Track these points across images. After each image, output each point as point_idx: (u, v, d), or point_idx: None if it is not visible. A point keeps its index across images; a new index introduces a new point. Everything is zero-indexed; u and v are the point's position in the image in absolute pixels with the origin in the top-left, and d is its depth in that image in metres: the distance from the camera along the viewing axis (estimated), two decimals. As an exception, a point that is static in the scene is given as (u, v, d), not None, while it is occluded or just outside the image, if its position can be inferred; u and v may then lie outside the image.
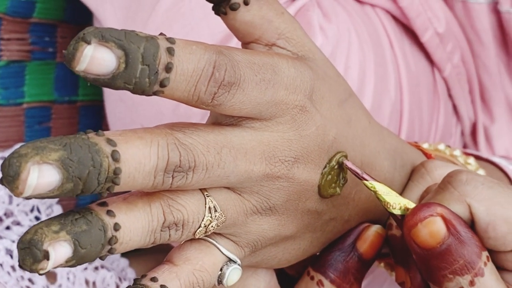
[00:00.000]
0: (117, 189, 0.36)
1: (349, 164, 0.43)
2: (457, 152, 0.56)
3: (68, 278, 0.65)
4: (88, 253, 0.35)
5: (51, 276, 0.65)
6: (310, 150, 0.41)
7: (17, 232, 0.66)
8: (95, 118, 0.79)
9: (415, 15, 0.68)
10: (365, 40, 0.64)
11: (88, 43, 0.34)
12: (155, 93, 0.36)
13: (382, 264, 0.57)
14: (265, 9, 0.40)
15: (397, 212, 0.43)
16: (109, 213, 0.36)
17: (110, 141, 0.35)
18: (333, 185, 0.43)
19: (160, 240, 0.38)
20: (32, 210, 0.69)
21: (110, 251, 0.36)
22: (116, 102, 0.64)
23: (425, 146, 0.56)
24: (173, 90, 0.36)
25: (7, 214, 0.69)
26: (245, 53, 0.39)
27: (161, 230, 0.38)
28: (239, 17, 0.40)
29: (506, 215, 0.42)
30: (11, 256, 0.62)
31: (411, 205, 0.43)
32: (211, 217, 0.39)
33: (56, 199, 0.70)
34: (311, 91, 0.41)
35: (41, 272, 0.35)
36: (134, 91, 0.35)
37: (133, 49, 0.34)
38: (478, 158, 0.62)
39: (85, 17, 0.76)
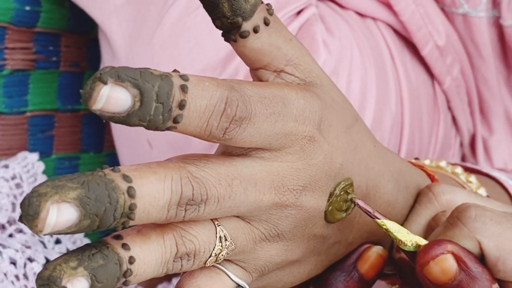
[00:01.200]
0: (131, 223, 0.36)
1: (361, 203, 0.43)
2: (459, 170, 0.57)
3: (70, 287, 0.65)
4: (104, 286, 0.36)
5: None
6: (317, 178, 0.42)
7: (20, 240, 0.66)
8: (97, 127, 0.79)
9: (416, 29, 0.68)
10: (366, 54, 0.65)
11: (105, 83, 0.34)
12: (168, 129, 0.37)
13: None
14: (274, 37, 0.41)
15: (409, 248, 0.44)
16: (124, 246, 0.37)
17: (126, 177, 0.36)
18: (339, 211, 0.44)
19: (173, 270, 0.39)
20: None
21: (125, 283, 0.37)
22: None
23: (426, 162, 0.57)
24: (186, 126, 0.37)
25: (10, 222, 0.69)
26: (256, 87, 0.39)
27: (174, 261, 0.39)
28: (248, 44, 0.40)
29: None
30: (15, 266, 0.62)
31: (423, 241, 0.44)
32: (221, 246, 0.40)
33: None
34: (319, 121, 0.42)
35: None
36: (148, 128, 0.36)
37: (148, 88, 0.35)
38: (478, 172, 0.62)
39: (89, 27, 0.76)
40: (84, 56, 0.79)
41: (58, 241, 0.72)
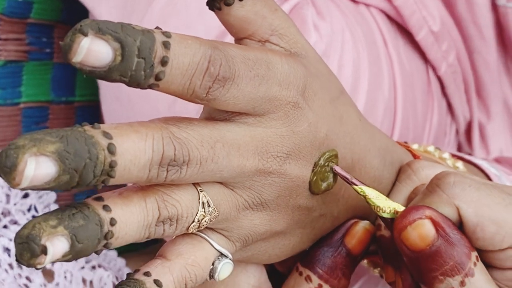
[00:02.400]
0: (112, 182, 0.36)
1: (338, 169, 0.43)
2: (446, 155, 0.57)
3: (65, 277, 0.65)
4: (85, 247, 0.35)
5: (49, 275, 0.65)
6: (302, 147, 0.42)
7: (14, 231, 0.66)
8: (92, 119, 0.79)
9: (410, 14, 0.68)
10: (359, 39, 0.65)
11: (85, 35, 0.34)
12: (150, 86, 0.36)
13: (365, 261, 0.58)
14: (259, 5, 0.41)
15: (387, 215, 0.43)
16: (106, 208, 0.37)
17: (106, 134, 0.35)
18: (323, 181, 0.44)
19: (155, 235, 0.39)
20: (29, 209, 0.70)
21: (106, 246, 0.37)
22: (112, 101, 0.64)
23: (414, 146, 0.57)
24: (168, 84, 0.36)
25: (5, 213, 0.69)
26: (239, 48, 0.39)
27: (156, 225, 0.38)
28: (233, 12, 0.40)
29: (494, 216, 0.43)
30: (9, 254, 0.62)
31: (401, 208, 0.43)
32: (204, 212, 0.40)
33: (54, 198, 0.70)
34: (303, 88, 0.41)
35: (38, 266, 0.35)
36: (129, 84, 0.36)
37: (130, 42, 0.35)
38: (462, 159, 0.62)
39: (82, 17, 0.76)
40: (78, 47, 0.79)
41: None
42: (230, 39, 0.50)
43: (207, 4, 0.40)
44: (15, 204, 0.69)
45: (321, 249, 0.46)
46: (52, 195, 0.71)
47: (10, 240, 0.63)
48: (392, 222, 0.43)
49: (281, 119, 0.41)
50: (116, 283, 0.69)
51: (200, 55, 0.37)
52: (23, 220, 0.69)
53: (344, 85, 0.63)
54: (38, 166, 0.33)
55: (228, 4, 0.40)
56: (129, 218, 0.37)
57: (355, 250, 0.47)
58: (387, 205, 0.43)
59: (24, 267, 0.63)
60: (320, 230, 0.47)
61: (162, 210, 0.38)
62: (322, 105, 0.43)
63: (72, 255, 0.35)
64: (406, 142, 0.56)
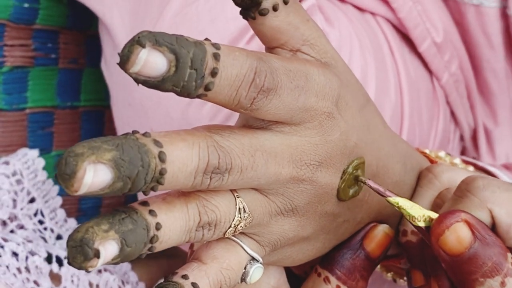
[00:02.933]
0: (160, 188, 0.37)
1: (371, 183, 0.44)
2: (457, 161, 0.58)
3: (72, 281, 0.65)
4: (133, 251, 0.37)
5: (56, 279, 0.65)
6: (333, 155, 0.43)
7: (21, 236, 0.67)
8: (96, 123, 0.79)
9: (413, 26, 0.69)
10: (366, 45, 0.65)
11: (143, 46, 0.35)
12: (199, 96, 0.37)
13: (389, 275, 0.58)
14: (292, 16, 0.41)
15: (422, 224, 0.44)
16: (152, 212, 0.37)
17: (157, 142, 0.36)
18: (350, 188, 0.44)
19: (195, 239, 0.40)
20: (36, 214, 0.70)
21: (151, 249, 0.38)
22: (124, 107, 0.64)
23: (426, 151, 0.57)
24: (216, 94, 0.38)
25: (11, 218, 0.69)
26: (282, 60, 0.40)
27: (196, 230, 0.39)
28: (267, 22, 0.41)
29: None
30: (17, 259, 0.62)
31: (435, 215, 0.44)
32: (240, 217, 0.41)
33: (60, 203, 0.70)
34: (337, 98, 0.42)
35: (90, 269, 0.36)
36: (180, 94, 0.37)
37: (184, 53, 0.36)
38: (475, 166, 0.63)
39: (87, 23, 0.77)
40: (83, 53, 0.79)
41: (59, 237, 0.72)
42: (241, 46, 0.50)
43: (241, 13, 0.41)
44: (21, 209, 0.70)
45: (340, 251, 0.47)
46: (58, 200, 0.71)
47: (18, 244, 0.63)
48: (427, 230, 0.43)
49: (316, 128, 0.42)
50: (122, 286, 0.69)
51: (247, 67, 0.38)
52: (29, 224, 0.69)
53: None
54: (96, 174, 0.34)
55: (263, 14, 0.40)
56: (173, 223, 0.38)
57: (374, 253, 0.47)
58: (421, 214, 0.44)
59: (32, 271, 0.63)
60: (342, 236, 0.47)
61: (203, 215, 0.39)
62: (352, 114, 0.44)
63: (120, 258, 0.36)
64: (417, 148, 0.57)
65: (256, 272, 0.42)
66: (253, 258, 0.43)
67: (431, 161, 0.53)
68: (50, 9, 0.75)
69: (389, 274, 0.58)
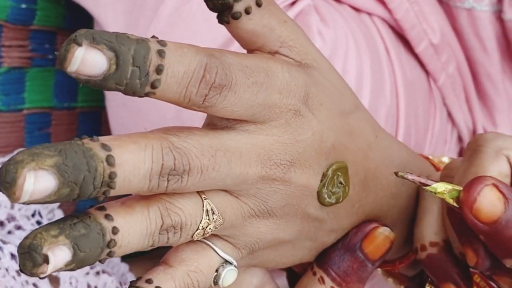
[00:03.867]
0: (113, 192, 0.36)
1: (409, 176, 0.42)
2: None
3: (70, 283, 0.65)
4: (87, 256, 0.36)
5: (54, 281, 0.65)
6: (307, 155, 0.42)
7: (19, 237, 0.67)
8: (94, 124, 0.79)
9: (410, 27, 0.69)
10: (362, 46, 0.65)
11: (80, 45, 0.34)
12: (147, 94, 0.37)
13: (379, 270, 0.58)
14: (267, 18, 0.41)
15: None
16: (107, 217, 0.37)
17: (104, 146, 0.35)
18: (332, 194, 0.43)
19: (159, 243, 0.39)
20: (33, 215, 0.70)
21: (110, 254, 0.37)
22: (119, 107, 0.64)
23: (429, 157, 0.57)
24: (164, 92, 0.37)
25: (9, 219, 0.69)
26: (237, 56, 0.39)
27: (160, 233, 0.38)
28: (241, 25, 0.40)
29: None
30: (16, 261, 0.62)
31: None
32: (208, 219, 0.40)
33: (57, 204, 0.70)
34: (306, 96, 0.41)
35: (41, 276, 0.35)
36: (125, 92, 0.36)
37: (124, 51, 0.35)
38: None
39: (85, 24, 0.77)
40: (80, 54, 0.79)
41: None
42: (236, 47, 0.50)
43: (217, 17, 0.41)
44: (19, 210, 0.70)
45: (337, 252, 0.46)
46: (55, 201, 0.71)
47: (17, 247, 0.63)
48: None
49: (283, 126, 0.41)
50: (120, 288, 0.69)
51: (196, 63, 0.37)
52: (27, 225, 0.69)
53: (347, 90, 0.63)
54: (37, 180, 0.33)
55: (236, 18, 0.40)
56: (132, 227, 0.37)
57: (372, 256, 0.46)
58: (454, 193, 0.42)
59: (30, 273, 0.63)
60: (329, 246, 0.46)
61: (165, 218, 0.38)
62: (329, 116, 0.43)
63: (75, 264, 0.36)
64: (421, 154, 0.56)
65: (228, 275, 0.42)
66: (226, 261, 0.42)
67: (435, 167, 0.52)
68: (47, 10, 0.75)
69: (390, 279, 0.57)
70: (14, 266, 0.62)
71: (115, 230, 0.37)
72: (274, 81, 0.40)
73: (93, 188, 0.35)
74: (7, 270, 0.61)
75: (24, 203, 0.34)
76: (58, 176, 0.34)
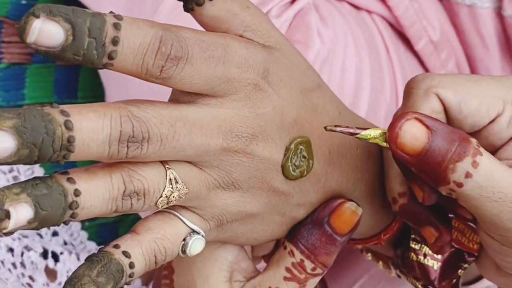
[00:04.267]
0: (72, 156, 0.37)
1: (336, 128, 0.44)
2: None
3: (67, 276, 0.66)
4: (49, 215, 0.37)
5: (51, 274, 0.65)
6: (268, 129, 0.43)
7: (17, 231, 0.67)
8: (93, 121, 0.80)
9: (409, 24, 0.69)
10: (361, 44, 0.65)
11: (37, 17, 0.36)
12: (105, 66, 0.38)
13: (369, 255, 0.58)
14: (229, 4, 0.42)
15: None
16: (70, 180, 0.38)
17: (63, 112, 0.37)
18: (296, 167, 0.45)
19: (122, 208, 0.40)
20: (11, 170, 0.71)
21: (73, 216, 0.38)
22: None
23: None
24: (121, 63, 0.38)
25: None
26: (194, 32, 0.41)
27: (123, 199, 0.40)
28: (205, 12, 0.42)
29: (471, 91, 0.44)
30: (12, 254, 0.63)
31: None
32: (172, 188, 0.41)
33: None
34: (265, 72, 0.42)
35: (3, 231, 0.36)
36: (83, 63, 0.37)
37: (80, 22, 0.37)
38: None
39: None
40: (80, 50, 0.79)
41: (55, 233, 0.73)
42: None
43: (183, 6, 0.42)
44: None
45: (305, 226, 0.47)
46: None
47: (14, 239, 0.64)
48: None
49: (243, 100, 0.42)
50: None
51: (151, 36, 0.38)
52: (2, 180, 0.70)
53: (346, 90, 0.64)
54: None
55: (199, 4, 0.41)
56: (94, 190, 0.39)
57: (340, 230, 0.47)
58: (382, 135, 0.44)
59: (27, 266, 0.63)
60: (299, 221, 0.48)
61: (128, 184, 0.40)
62: (289, 92, 0.44)
63: (38, 222, 0.37)
64: None
65: (196, 243, 0.43)
66: (193, 231, 0.43)
67: None
68: (47, 6, 0.75)
69: (380, 263, 0.58)
70: (10, 258, 0.63)
71: (77, 192, 0.38)
72: (232, 56, 0.41)
73: (52, 150, 0.36)
74: (2, 262, 0.62)
75: None
76: (17, 137, 0.35)
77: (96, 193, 0.39)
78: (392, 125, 0.42)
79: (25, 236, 0.66)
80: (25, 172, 0.72)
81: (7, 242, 0.63)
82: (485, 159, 0.42)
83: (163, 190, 0.41)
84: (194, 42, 0.40)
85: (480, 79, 0.45)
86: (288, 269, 0.47)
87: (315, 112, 0.45)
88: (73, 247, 0.74)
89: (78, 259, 0.69)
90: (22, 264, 0.63)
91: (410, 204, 0.47)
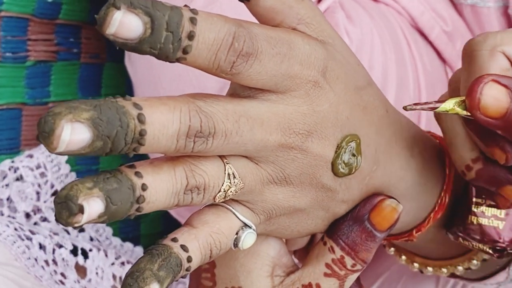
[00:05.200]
0: (142, 150, 0.38)
1: (417, 106, 0.44)
2: None
3: (97, 273, 0.66)
4: (119, 209, 0.37)
5: (81, 271, 0.66)
6: (324, 126, 0.43)
7: (45, 228, 0.68)
8: (117, 117, 0.80)
9: (419, 14, 0.69)
10: (386, 41, 0.66)
11: (118, 8, 0.36)
12: (178, 60, 0.38)
13: (392, 249, 0.59)
14: None
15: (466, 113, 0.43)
16: (137, 174, 0.38)
17: (136, 105, 0.37)
18: (345, 165, 0.45)
19: (184, 202, 0.40)
20: (38, 167, 0.71)
21: (138, 210, 0.39)
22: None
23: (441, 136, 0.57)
24: (195, 57, 0.38)
25: (35, 211, 0.70)
26: (263, 27, 0.41)
27: (184, 193, 0.40)
28: (261, 3, 0.42)
29: None
30: (44, 251, 0.63)
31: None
32: (230, 182, 0.41)
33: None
34: (324, 69, 0.43)
35: (76, 225, 0.37)
36: (158, 57, 0.38)
37: (159, 16, 0.37)
38: None
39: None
40: (104, 47, 0.80)
41: (81, 230, 0.73)
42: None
43: None
44: (45, 202, 0.71)
45: (346, 222, 0.47)
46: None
47: (45, 237, 0.64)
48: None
49: (302, 97, 0.42)
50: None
51: (225, 31, 0.38)
52: (53, 217, 0.70)
53: (374, 87, 0.64)
54: (73, 132, 0.35)
55: None
56: (159, 185, 0.39)
57: (380, 227, 0.47)
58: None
59: (59, 264, 0.64)
60: (339, 217, 0.48)
61: (190, 179, 0.40)
62: (344, 90, 0.44)
63: (107, 216, 0.37)
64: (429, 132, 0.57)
65: (248, 237, 0.43)
66: (245, 225, 0.44)
67: (440, 141, 0.54)
68: (72, 4, 0.76)
69: (403, 257, 0.59)
70: (43, 256, 0.63)
71: (144, 187, 0.38)
72: (296, 53, 0.41)
73: (124, 143, 0.37)
74: (36, 260, 0.62)
75: (59, 154, 0.36)
76: (93, 129, 0.36)
77: (161, 187, 0.39)
78: (471, 91, 0.42)
79: (56, 233, 0.66)
80: (52, 168, 0.73)
81: (39, 240, 0.63)
82: None
83: (222, 185, 0.41)
84: (264, 39, 0.40)
85: None
86: (328, 265, 0.47)
87: (366, 110, 0.46)
88: (99, 243, 0.75)
89: (106, 256, 0.69)
90: (54, 261, 0.64)
91: (487, 168, 0.47)
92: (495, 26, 0.72)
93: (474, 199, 0.52)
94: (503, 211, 0.52)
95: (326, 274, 0.47)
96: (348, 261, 0.47)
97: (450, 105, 0.43)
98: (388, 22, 0.68)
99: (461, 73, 0.46)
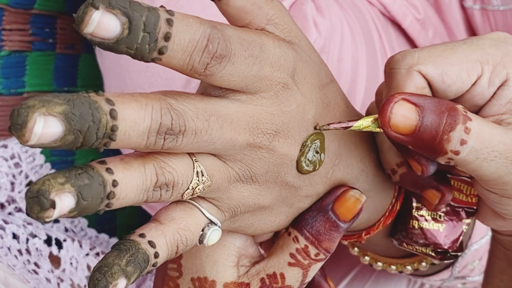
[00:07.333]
0: (113, 145, 0.38)
1: (330, 127, 0.45)
2: None
3: (71, 263, 0.67)
4: (89, 205, 0.38)
5: (55, 261, 0.66)
6: (290, 126, 0.44)
7: (20, 218, 0.68)
8: (93, 108, 0.80)
9: (391, 2, 0.70)
10: (357, 32, 0.66)
11: (96, 8, 0.36)
12: (153, 60, 0.39)
13: (355, 249, 0.59)
14: None
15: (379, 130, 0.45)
16: (108, 170, 0.39)
17: (109, 101, 0.38)
18: (310, 162, 0.46)
19: (152, 199, 0.41)
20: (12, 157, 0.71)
21: (108, 206, 0.39)
22: (117, 91, 0.65)
23: None
24: (170, 58, 0.39)
25: (9, 201, 0.70)
26: (236, 29, 0.41)
27: (153, 190, 0.41)
28: (231, 2, 0.42)
29: (450, 61, 0.45)
30: (18, 241, 0.64)
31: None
32: (198, 180, 0.42)
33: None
34: (293, 71, 0.44)
35: (47, 220, 0.37)
36: (134, 56, 0.38)
37: (136, 17, 0.37)
38: None
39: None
40: (80, 38, 0.80)
41: (56, 220, 0.73)
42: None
43: None
44: (19, 192, 0.71)
45: (310, 213, 0.48)
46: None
47: (19, 226, 0.64)
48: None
49: (272, 98, 0.43)
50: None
51: (200, 33, 0.39)
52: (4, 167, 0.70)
53: (343, 78, 0.65)
54: (46, 125, 0.36)
55: None
56: (130, 181, 0.40)
57: (344, 217, 0.49)
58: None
59: (32, 253, 0.64)
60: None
61: (160, 176, 0.41)
62: (310, 89, 0.45)
63: (77, 212, 0.38)
64: None
65: (213, 234, 0.44)
66: (211, 222, 0.44)
67: None
68: (47, -6, 0.76)
69: (366, 258, 0.59)
70: (16, 245, 0.63)
71: (115, 183, 0.39)
72: (267, 55, 0.42)
73: (95, 138, 0.37)
74: (9, 249, 0.62)
75: (31, 146, 0.36)
76: (65, 123, 0.36)
77: (131, 184, 0.40)
78: (382, 110, 0.44)
79: (30, 223, 0.66)
80: (26, 159, 0.73)
81: (13, 229, 0.63)
82: (475, 123, 0.43)
83: (190, 183, 0.42)
84: (237, 41, 0.41)
85: (454, 47, 0.46)
86: (292, 255, 0.48)
87: (329, 107, 0.47)
88: (74, 234, 0.75)
89: (81, 246, 0.69)
90: (28, 251, 0.64)
91: (409, 172, 0.49)
92: (457, 18, 0.74)
93: (414, 204, 0.54)
94: (442, 214, 0.53)
95: (290, 264, 0.48)
96: (312, 251, 0.48)
97: (367, 122, 0.45)
98: (359, 13, 0.69)
99: (383, 88, 0.48)
